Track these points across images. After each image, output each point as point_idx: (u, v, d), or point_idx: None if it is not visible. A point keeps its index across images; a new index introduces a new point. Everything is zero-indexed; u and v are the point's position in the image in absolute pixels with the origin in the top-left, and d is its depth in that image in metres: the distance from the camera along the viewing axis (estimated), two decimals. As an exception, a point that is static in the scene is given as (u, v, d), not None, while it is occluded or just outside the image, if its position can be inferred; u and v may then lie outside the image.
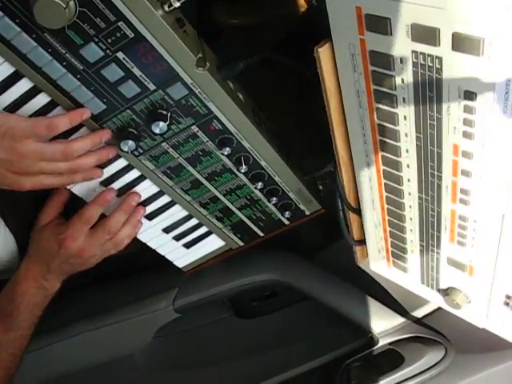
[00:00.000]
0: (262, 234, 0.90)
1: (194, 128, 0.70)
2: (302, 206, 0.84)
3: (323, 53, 0.54)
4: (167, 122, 0.67)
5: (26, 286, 0.80)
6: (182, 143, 0.72)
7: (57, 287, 0.82)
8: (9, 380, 0.80)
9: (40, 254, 0.80)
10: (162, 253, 0.90)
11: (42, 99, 0.66)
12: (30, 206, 0.88)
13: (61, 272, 0.82)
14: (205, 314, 1.09)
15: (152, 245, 0.88)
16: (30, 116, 0.67)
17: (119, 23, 0.58)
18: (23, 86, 0.65)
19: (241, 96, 0.71)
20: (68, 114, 0.65)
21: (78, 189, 0.78)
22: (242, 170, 0.75)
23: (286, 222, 0.87)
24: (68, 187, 0.78)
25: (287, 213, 0.84)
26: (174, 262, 0.93)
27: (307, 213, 0.86)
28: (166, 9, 0.59)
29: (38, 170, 0.67)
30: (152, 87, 0.65)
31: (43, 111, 0.67)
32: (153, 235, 0.87)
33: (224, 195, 0.81)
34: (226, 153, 0.72)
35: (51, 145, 0.66)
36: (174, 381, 1.09)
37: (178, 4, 0.59)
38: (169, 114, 0.68)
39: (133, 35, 0.59)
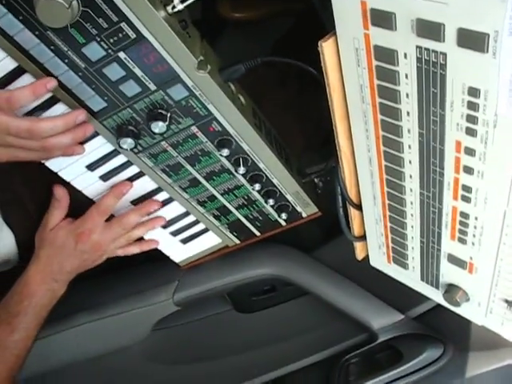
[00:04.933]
0: (258, 234, 0.90)
1: (194, 128, 0.71)
2: (299, 208, 0.84)
3: (327, 47, 0.54)
4: (167, 122, 0.68)
5: (34, 289, 0.80)
6: (182, 143, 0.73)
7: (64, 290, 0.83)
8: (11, 380, 0.80)
9: (54, 254, 0.81)
10: (159, 247, 0.91)
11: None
12: (31, 203, 0.89)
13: (72, 272, 0.82)
14: (204, 307, 1.09)
15: (148, 238, 0.89)
16: (28, 113, 0.67)
17: (121, 24, 0.58)
18: (25, 81, 0.65)
19: (242, 98, 0.71)
20: (29, 86, 0.62)
21: (78, 182, 0.79)
22: (240, 171, 0.75)
23: (283, 223, 0.88)
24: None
25: (284, 214, 0.85)
26: (171, 257, 0.94)
27: (304, 215, 0.86)
28: (169, 11, 0.59)
29: (7, 144, 0.65)
30: (153, 87, 0.65)
31: (44, 106, 0.68)
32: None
33: (222, 194, 0.82)
34: (224, 154, 0.73)
35: (17, 120, 0.63)
36: (172, 374, 1.09)
37: (181, 6, 0.59)
38: (168, 115, 0.68)
39: (135, 36, 0.60)
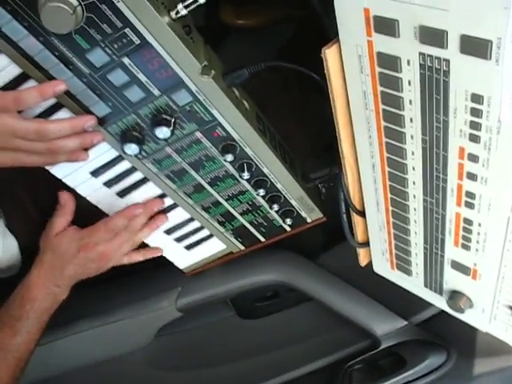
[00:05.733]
0: (263, 240, 0.90)
1: (198, 134, 0.71)
2: (303, 214, 0.84)
3: (330, 54, 0.54)
4: (171, 128, 0.68)
5: (36, 293, 0.80)
6: (186, 148, 0.73)
7: (66, 294, 0.83)
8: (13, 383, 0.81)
9: (56, 260, 0.81)
10: (163, 254, 0.91)
11: (47, 101, 0.66)
12: (34, 209, 0.89)
13: (74, 277, 0.83)
14: (207, 313, 1.09)
15: (153, 246, 0.89)
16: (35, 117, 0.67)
17: (125, 29, 0.58)
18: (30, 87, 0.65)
19: (246, 103, 0.71)
20: (37, 87, 0.62)
21: (82, 188, 0.79)
22: (245, 177, 0.75)
23: (288, 229, 0.88)
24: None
25: (289, 220, 0.85)
26: (175, 263, 0.93)
27: (309, 220, 0.86)
28: (173, 16, 0.59)
29: (14, 147, 0.64)
30: (157, 93, 0.65)
31: (48, 113, 0.68)
32: (154, 236, 0.87)
33: (226, 200, 0.82)
34: (228, 159, 0.72)
35: (25, 122, 0.63)
36: (175, 380, 1.09)
37: (184, 12, 0.59)
38: (173, 120, 0.68)
39: (139, 41, 0.60)
